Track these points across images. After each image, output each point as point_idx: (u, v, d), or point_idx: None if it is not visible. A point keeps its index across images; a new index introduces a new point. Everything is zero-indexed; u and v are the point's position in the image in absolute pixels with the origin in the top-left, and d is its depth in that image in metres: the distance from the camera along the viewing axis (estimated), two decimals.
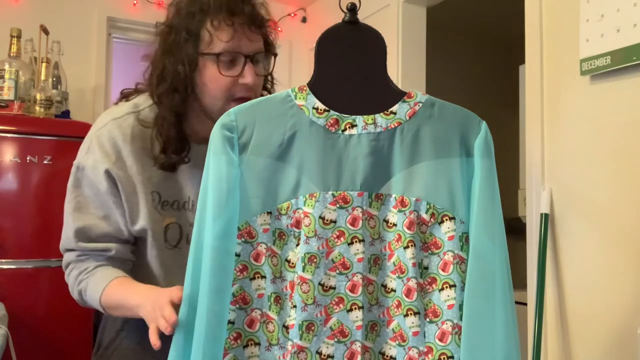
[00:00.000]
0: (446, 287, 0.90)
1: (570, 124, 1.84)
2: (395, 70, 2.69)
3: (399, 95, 0.95)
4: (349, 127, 0.93)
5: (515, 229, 2.67)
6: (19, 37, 2.48)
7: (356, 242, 0.90)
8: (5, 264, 2.21)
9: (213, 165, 0.90)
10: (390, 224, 0.93)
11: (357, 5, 0.96)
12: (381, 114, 0.93)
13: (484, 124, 0.95)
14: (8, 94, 2.36)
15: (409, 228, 0.90)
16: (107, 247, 1.14)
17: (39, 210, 2.27)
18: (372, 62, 0.96)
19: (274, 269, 0.91)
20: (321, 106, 0.93)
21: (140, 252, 1.18)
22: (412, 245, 0.90)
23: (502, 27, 3.48)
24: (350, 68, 0.96)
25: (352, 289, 0.90)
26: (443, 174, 0.92)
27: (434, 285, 0.91)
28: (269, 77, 1.24)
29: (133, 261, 1.19)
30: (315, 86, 0.95)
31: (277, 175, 0.92)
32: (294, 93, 0.94)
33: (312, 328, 0.88)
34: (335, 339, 0.89)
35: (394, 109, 0.94)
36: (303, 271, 0.89)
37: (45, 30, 2.57)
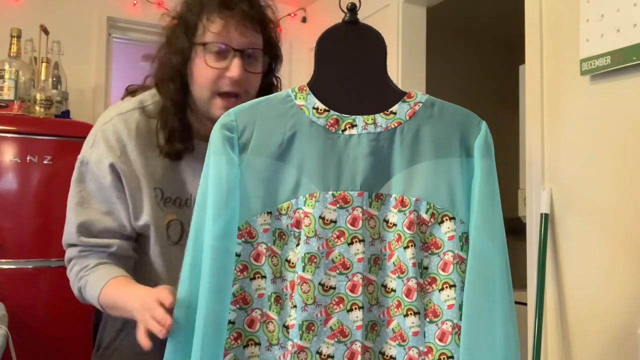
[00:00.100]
0: (446, 287, 0.90)
1: (570, 124, 1.84)
2: (395, 70, 2.69)
3: (399, 95, 0.95)
4: (349, 127, 0.93)
5: (515, 229, 2.67)
6: (19, 37, 2.49)
7: (356, 242, 0.90)
8: (5, 264, 2.21)
9: (213, 165, 0.90)
10: (390, 224, 0.93)
11: (357, 5, 0.96)
12: (381, 114, 0.93)
13: (484, 124, 0.95)
14: (8, 94, 2.36)
15: (409, 228, 0.90)
16: (108, 243, 1.14)
17: (39, 210, 2.27)
18: (372, 62, 0.96)
19: (274, 269, 0.91)
20: (321, 106, 0.93)
21: (142, 249, 1.18)
22: (412, 245, 0.90)
23: (502, 27, 3.48)
24: (350, 68, 0.96)
25: (352, 289, 0.90)
26: (443, 174, 0.93)
27: (434, 285, 0.91)
28: (275, 79, 1.24)
29: (135, 258, 1.19)
30: (315, 86, 0.95)
31: (277, 175, 0.92)
32: (294, 93, 0.94)
33: (313, 328, 0.88)
34: (336, 339, 0.89)
35: (394, 109, 0.94)
36: (303, 271, 0.89)
37: (45, 30, 2.57)
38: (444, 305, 0.90)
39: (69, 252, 1.17)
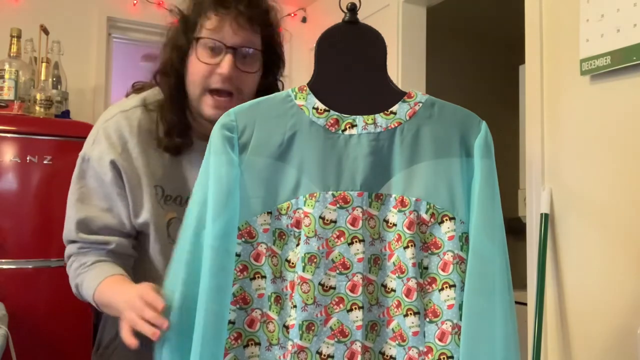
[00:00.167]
0: (446, 287, 0.90)
1: (570, 124, 1.84)
2: (395, 70, 2.69)
3: (399, 95, 0.95)
4: (349, 127, 0.93)
5: (515, 229, 2.67)
6: (19, 37, 2.48)
7: (356, 242, 0.90)
8: (5, 264, 2.21)
9: (213, 165, 0.90)
10: (390, 224, 0.93)
11: (357, 5, 0.96)
12: (381, 114, 0.93)
13: (484, 124, 0.95)
14: (8, 94, 2.36)
15: (409, 228, 0.90)
16: (107, 240, 1.14)
17: (39, 210, 2.26)
18: (372, 62, 0.96)
19: (274, 269, 0.91)
20: (321, 106, 0.93)
21: (142, 247, 1.19)
22: (412, 245, 0.90)
23: (502, 27, 3.48)
24: (350, 68, 0.96)
25: (352, 289, 0.90)
26: (443, 174, 0.93)
27: (433, 285, 0.91)
28: (278, 80, 1.24)
29: (135, 257, 1.19)
30: (315, 86, 0.95)
31: (277, 175, 0.92)
32: (294, 93, 0.94)
33: (312, 328, 0.88)
34: (336, 339, 0.89)
35: (394, 109, 0.94)
36: (303, 271, 0.89)
37: (45, 30, 2.57)
38: (444, 305, 0.90)
39: (69, 249, 1.17)
